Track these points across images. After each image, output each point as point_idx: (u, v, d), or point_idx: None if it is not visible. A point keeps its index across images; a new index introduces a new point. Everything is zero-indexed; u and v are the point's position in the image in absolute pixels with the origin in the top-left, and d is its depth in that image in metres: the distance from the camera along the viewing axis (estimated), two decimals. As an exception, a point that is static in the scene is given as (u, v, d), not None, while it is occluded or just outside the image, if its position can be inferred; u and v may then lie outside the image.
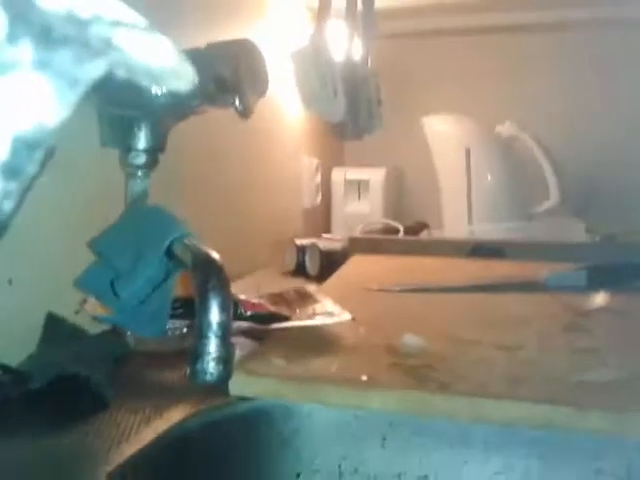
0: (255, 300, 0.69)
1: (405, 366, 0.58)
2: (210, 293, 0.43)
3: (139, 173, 0.67)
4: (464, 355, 0.61)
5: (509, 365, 0.58)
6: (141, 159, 0.67)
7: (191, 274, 0.46)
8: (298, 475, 0.54)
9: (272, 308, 0.68)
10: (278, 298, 0.73)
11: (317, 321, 0.67)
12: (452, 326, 0.71)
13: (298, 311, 0.69)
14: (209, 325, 0.42)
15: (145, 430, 0.47)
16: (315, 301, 0.72)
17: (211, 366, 0.42)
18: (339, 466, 0.54)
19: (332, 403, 0.55)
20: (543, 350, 0.63)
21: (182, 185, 0.88)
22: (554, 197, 1.36)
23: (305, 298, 0.73)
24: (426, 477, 0.53)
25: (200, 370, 0.42)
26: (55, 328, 0.62)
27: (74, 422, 0.48)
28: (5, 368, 0.52)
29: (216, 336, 0.42)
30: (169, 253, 0.51)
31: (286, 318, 0.66)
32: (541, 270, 0.93)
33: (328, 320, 0.68)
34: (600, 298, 0.82)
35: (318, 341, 0.65)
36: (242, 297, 0.70)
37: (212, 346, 0.42)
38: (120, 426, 0.47)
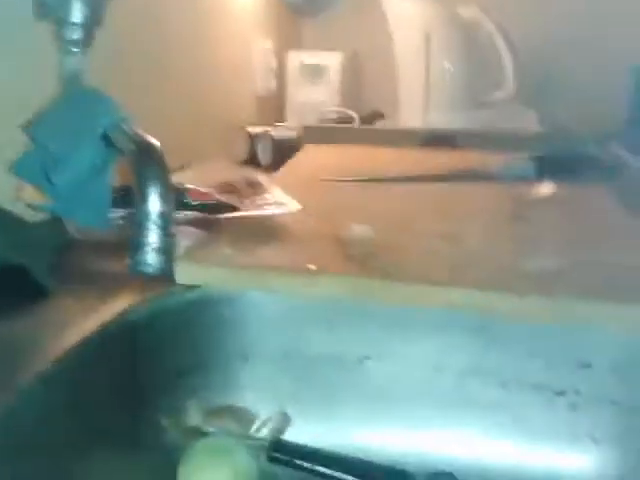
0: (203, 189, 0.67)
1: (351, 255, 0.59)
2: (148, 181, 0.41)
3: (74, 49, 0.62)
4: (410, 244, 0.62)
5: (453, 254, 0.60)
6: (76, 33, 0.61)
7: (129, 161, 0.43)
8: (245, 358, 0.56)
9: (221, 197, 0.67)
10: (228, 187, 0.72)
11: (266, 211, 0.66)
12: (401, 216, 0.72)
13: (247, 201, 0.68)
14: (148, 215, 0.41)
15: (89, 319, 0.46)
16: (265, 191, 0.71)
17: (151, 257, 0.41)
18: (285, 349, 0.55)
19: (278, 290, 0.55)
20: (487, 240, 0.64)
21: (122, 66, 0.83)
22: (509, 87, 1.34)
23: (255, 187, 0.72)
24: (368, 357, 0.55)
25: (140, 261, 0.41)
26: None
27: (13, 312, 0.47)
28: None
29: (156, 226, 0.41)
30: (106, 139, 0.48)
31: (235, 208, 0.65)
32: (492, 160, 0.93)
33: (277, 210, 0.67)
34: (547, 188, 0.83)
35: (266, 231, 0.65)
36: (190, 186, 0.68)
37: (152, 236, 0.41)
38: (62, 315, 0.47)
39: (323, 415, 0.55)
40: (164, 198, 0.41)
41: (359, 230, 0.63)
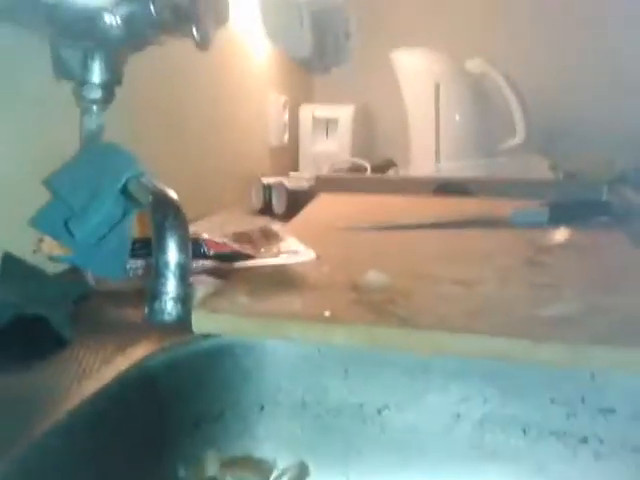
0: (219, 239, 0.68)
1: (367, 302, 0.59)
2: (167, 232, 0.42)
3: (94, 108, 0.64)
4: (426, 291, 0.62)
5: (469, 300, 0.59)
6: (96, 93, 0.64)
7: (148, 213, 0.45)
8: (262, 408, 0.55)
9: (236, 247, 0.67)
10: (243, 237, 0.73)
11: (281, 260, 0.67)
12: (416, 263, 0.72)
13: (262, 250, 0.69)
14: (166, 264, 0.41)
15: (107, 368, 0.47)
16: (280, 240, 0.72)
17: (169, 305, 0.42)
18: (302, 398, 0.55)
19: (295, 338, 0.55)
20: (503, 285, 0.64)
21: (141, 122, 0.86)
22: (520, 135, 1.36)
23: (270, 237, 0.73)
24: (387, 407, 0.54)
25: (158, 309, 0.42)
26: (12, 268, 0.61)
27: (33, 362, 0.47)
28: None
29: (174, 275, 0.41)
30: (125, 192, 0.50)
31: (250, 257, 0.66)
32: (505, 207, 0.94)
33: (292, 259, 0.67)
34: (561, 234, 0.83)
35: (282, 279, 0.65)
36: (206, 236, 0.69)
37: (170, 286, 0.42)
38: (81, 364, 0.47)
39: (341, 465, 0.54)
40: (182, 248, 0.42)
41: (374, 277, 0.63)
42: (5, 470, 0.34)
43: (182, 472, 0.50)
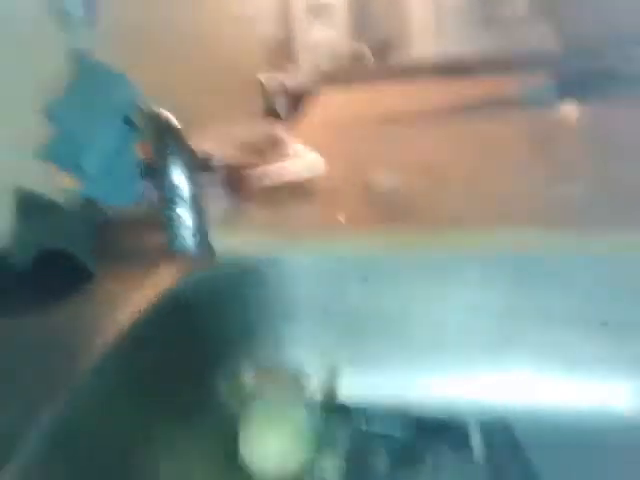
0: (227, 152, 0.68)
1: (380, 205, 0.59)
2: (172, 162, 0.42)
3: (76, 26, 0.61)
4: (436, 188, 0.62)
5: (481, 195, 0.59)
6: (76, 9, 0.61)
7: (149, 141, 0.44)
8: (289, 318, 0.57)
9: (244, 159, 0.67)
10: (250, 147, 0.72)
11: (291, 168, 0.67)
12: (425, 158, 0.71)
13: (271, 160, 0.68)
14: (178, 195, 0.42)
15: (138, 296, 0.48)
16: (287, 146, 0.71)
17: (187, 236, 0.42)
18: (326, 305, 0.56)
19: (314, 250, 0.56)
20: (513, 174, 0.64)
21: (127, 33, 0.82)
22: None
23: (277, 144, 0.72)
24: (407, 307, 0.55)
25: (177, 240, 0.43)
26: (26, 203, 0.61)
27: (64, 297, 0.49)
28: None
29: (187, 206, 0.42)
30: (126, 119, 0.49)
31: (260, 168, 0.66)
32: (510, 85, 0.91)
33: (301, 166, 0.67)
34: (570, 110, 0.81)
35: (294, 189, 0.65)
36: (213, 150, 0.68)
37: (185, 216, 0.42)
38: (112, 295, 0.48)
39: (370, 367, 0.56)
40: (190, 178, 0.42)
41: (385, 179, 0.63)
42: (52, 417, 0.36)
43: (223, 388, 0.53)
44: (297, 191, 0.65)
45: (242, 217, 0.59)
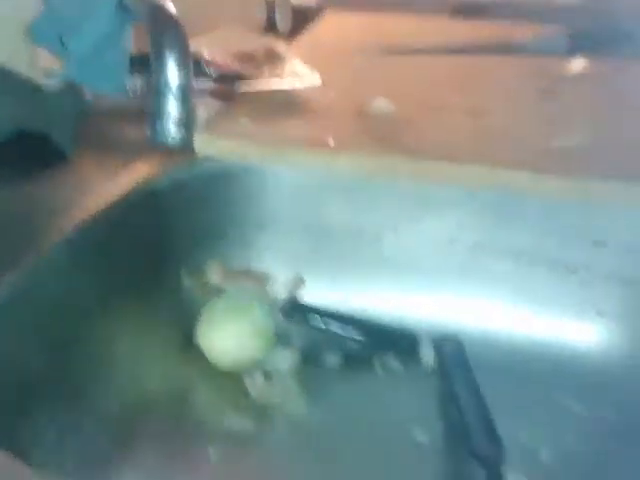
0: (222, 59, 0.65)
1: (373, 130, 0.58)
2: (166, 49, 0.40)
3: None
4: (433, 120, 0.61)
5: (476, 130, 0.58)
6: None
7: (145, 27, 0.42)
8: (263, 226, 0.57)
9: (239, 68, 0.65)
10: (246, 56, 0.70)
11: (285, 83, 0.65)
12: (426, 90, 0.69)
13: (267, 72, 0.66)
14: (166, 84, 0.40)
15: (111, 185, 0.47)
16: (284, 61, 0.69)
17: (172, 128, 0.41)
18: (302, 219, 0.56)
19: (298, 165, 0.55)
20: (513, 115, 0.63)
21: None
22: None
23: (274, 58, 0.70)
24: (384, 230, 0.56)
25: (160, 131, 0.41)
26: (7, 82, 0.59)
27: (35, 176, 0.47)
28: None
29: (175, 97, 0.40)
30: (121, 3, 0.46)
31: (253, 79, 0.64)
32: (523, 32, 0.88)
33: (297, 82, 0.65)
34: (580, 63, 0.79)
35: (286, 104, 0.64)
36: (208, 56, 0.66)
37: (171, 107, 0.41)
38: (84, 180, 0.47)
39: (337, 280, 0.57)
40: (182, 68, 0.41)
41: (380, 104, 0.62)
42: (14, 281, 0.35)
43: (187, 281, 0.53)
44: (289, 106, 0.63)
45: (228, 125, 0.57)
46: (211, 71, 0.63)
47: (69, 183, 0.47)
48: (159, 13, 0.42)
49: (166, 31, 0.40)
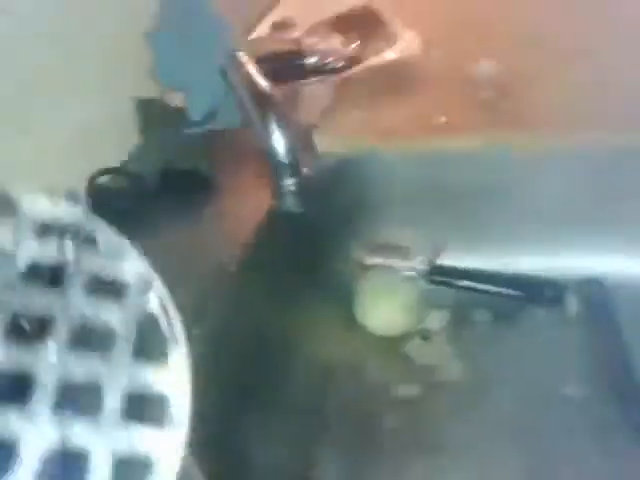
0: (328, 45, 0.66)
1: (481, 100, 0.58)
2: (270, 126, 0.45)
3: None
4: (541, 85, 0.59)
5: (585, 96, 0.57)
6: None
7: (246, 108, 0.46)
8: (396, 204, 0.61)
9: (350, 52, 0.65)
10: (344, 24, 0.69)
11: (388, 56, 0.65)
12: (530, 33, 0.65)
13: (370, 46, 0.66)
14: (279, 163, 0.45)
15: (253, 205, 0.51)
16: (383, 25, 0.68)
17: (288, 199, 0.47)
18: (430, 188, 0.59)
19: (414, 151, 0.59)
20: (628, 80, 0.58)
21: None
22: None
23: (372, 22, 0.69)
24: (503, 190, 0.57)
25: (282, 204, 0.47)
26: (150, 112, 0.64)
27: (189, 211, 0.52)
28: (117, 171, 0.54)
29: (288, 173, 0.45)
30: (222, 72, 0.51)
31: (357, 61, 0.64)
32: None
33: (399, 51, 0.65)
34: None
35: (393, 79, 0.65)
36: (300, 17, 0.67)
37: (285, 177, 0.46)
38: (230, 207, 0.52)
39: (472, 238, 0.60)
40: (288, 139, 0.45)
41: (485, 69, 0.61)
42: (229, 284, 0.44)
43: (340, 266, 0.59)
44: (396, 81, 0.64)
45: (344, 119, 0.61)
46: (320, 64, 0.64)
47: (220, 212, 0.51)
48: (259, 92, 0.46)
49: (267, 111, 0.45)
